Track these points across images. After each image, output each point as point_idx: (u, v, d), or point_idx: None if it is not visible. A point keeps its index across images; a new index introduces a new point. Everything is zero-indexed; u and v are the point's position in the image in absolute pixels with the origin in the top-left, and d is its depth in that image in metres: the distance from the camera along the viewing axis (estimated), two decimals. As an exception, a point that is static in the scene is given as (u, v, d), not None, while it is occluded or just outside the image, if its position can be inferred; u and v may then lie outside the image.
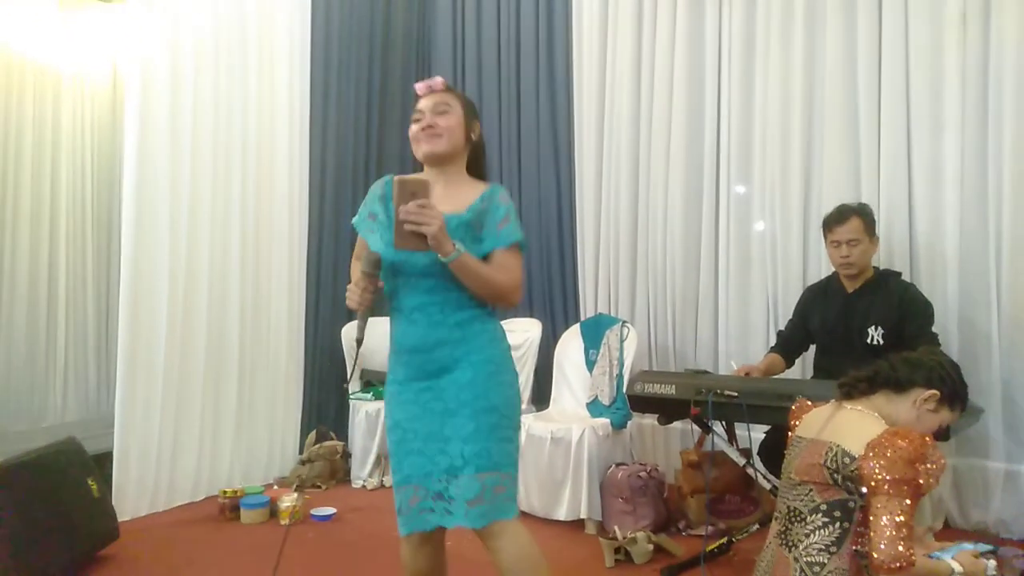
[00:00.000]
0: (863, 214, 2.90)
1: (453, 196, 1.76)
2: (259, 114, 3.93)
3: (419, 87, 1.85)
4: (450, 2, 4.81)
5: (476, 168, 1.89)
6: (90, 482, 2.83)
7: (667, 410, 2.79)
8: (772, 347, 3.20)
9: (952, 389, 1.77)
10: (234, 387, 3.80)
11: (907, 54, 3.24)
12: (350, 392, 2.13)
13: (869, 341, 2.83)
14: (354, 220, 1.87)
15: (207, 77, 3.66)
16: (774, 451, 2.57)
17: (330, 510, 3.39)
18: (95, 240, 5.40)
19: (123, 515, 3.15)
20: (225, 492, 3.40)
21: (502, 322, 4.08)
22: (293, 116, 4.11)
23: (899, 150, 3.26)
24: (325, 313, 4.36)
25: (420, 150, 1.79)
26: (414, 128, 1.80)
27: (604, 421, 3.36)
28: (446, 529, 1.76)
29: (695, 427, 2.91)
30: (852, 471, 1.63)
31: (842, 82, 3.39)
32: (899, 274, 2.99)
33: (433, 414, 1.72)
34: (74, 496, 2.72)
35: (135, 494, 3.33)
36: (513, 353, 3.90)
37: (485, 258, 1.73)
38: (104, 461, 3.23)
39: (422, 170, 1.86)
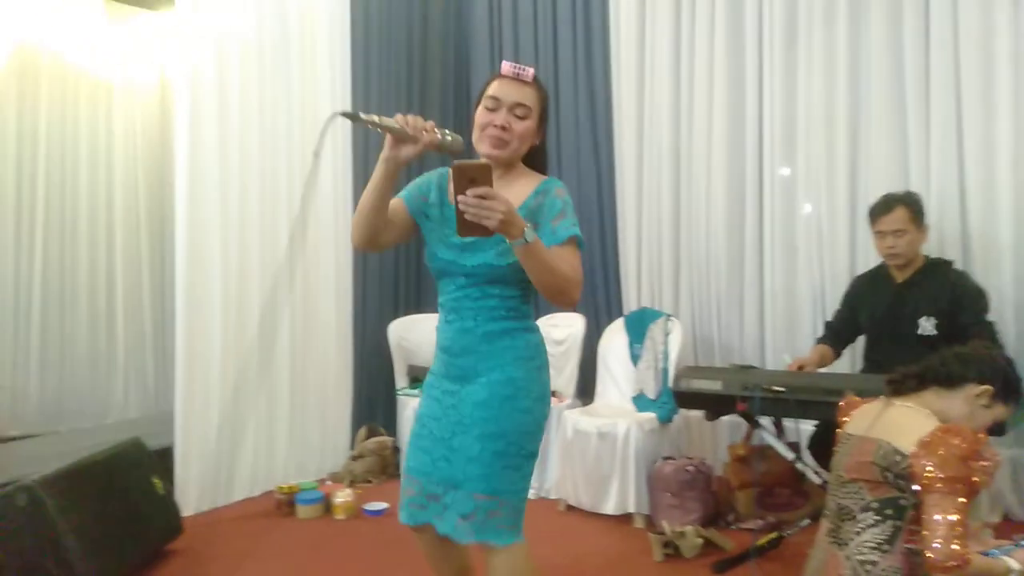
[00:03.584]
0: (909, 203, 2.84)
1: (507, 190, 1.64)
2: (303, 115, 4.00)
3: (506, 69, 1.68)
4: (487, 3, 4.82)
5: (536, 162, 1.79)
6: (154, 480, 2.95)
7: (713, 406, 2.79)
8: (820, 338, 3.17)
9: (1006, 384, 1.75)
10: (286, 385, 3.90)
11: (956, 36, 3.17)
12: None
13: (921, 332, 2.78)
14: (402, 194, 1.79)
15: (252, 81, 3.75)
16: (825, 444, 2.55)
17: (382, 505, 3.47)
18: (149, 243, 5.58)
19: (186, 510, 3.28)
20: (281, 488, 3.51)
21: (545, 317, 4.13)
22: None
23: (949, 135, 3.19)
24: (372, 310, 4.44)
25: (481, 148, 1.69)
26: (484, 117, 1.68)
27: (650, 415, 3.37)
28: None
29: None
30: (903, 469, 1.62)
31: (888, 65, 3.33)
32: (951, 262, 2.93)
33: (449, 421, 1.70)
34: (141, 494, 2.84)
35: (196, 490, 3.46)
36: (557, 348, 3.99)
37: None
38: (165, 456, 3.36)
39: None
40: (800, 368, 2.87)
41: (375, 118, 1.57)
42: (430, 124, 1.59)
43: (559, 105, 4.47)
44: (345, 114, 1.59)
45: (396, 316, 4.45)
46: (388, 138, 1.59)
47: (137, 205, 5.54)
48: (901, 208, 2.82)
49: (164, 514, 2.96)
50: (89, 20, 5.15)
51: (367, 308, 4.43)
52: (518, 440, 1.66)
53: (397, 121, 1.57)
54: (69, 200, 5.23)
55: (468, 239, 1.63)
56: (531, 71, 1.70)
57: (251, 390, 3.72)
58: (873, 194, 3.11)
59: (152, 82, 5.58)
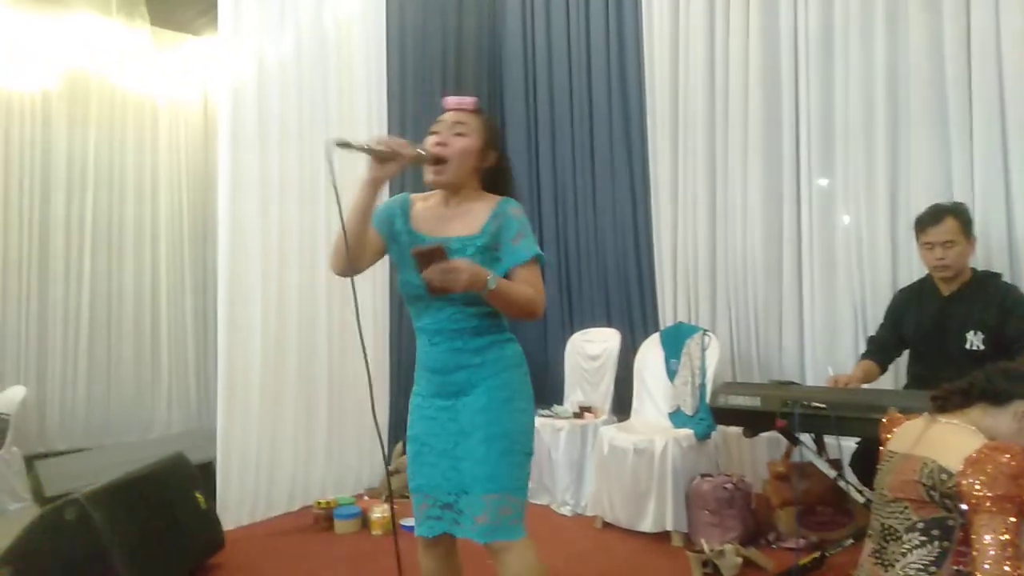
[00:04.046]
0: (958, 214, 2.77)
1: (466, 215, 1.81)
2: (340, 133, 4.06)
3: (449, 101, 1.85)
4: (519, 18, 4.87)
5: (499, 187, 1.89)
6: (197, 494, 3.00)
7: (752, 422, 2.73)
8: (864, 354, 3.09)
9: (1056, 401, 1.69)
10: (324, 401, 3.94)
11: (999, 41, 3.08)
12: None
13: (968, 347, 2.70)
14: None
15: (291, 101, 3.84)
16: (867, 461, 2.49)
17: (418, 520, 3.48)
18: (192, 262, 5.73)
19: (226, 525, 3.32)
20: (319, 503, 3.54)
21: (579, 332, 4.13)
22: (371, 134, 4.24)
23: (993, 143, 3.10)
24: (408, 326, 4.43)
25: (426, 176, 1.81)
26: (429, 140, 1.81)
27: (687, 432, 3.33)
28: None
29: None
30: (950, 488, 1.58)
31: (928, 71, 3.24)
32: (999, 275, 2.85)
33: (449, 433, 1.81)
34: (184, 508, 2.90)
35: (236, 505, 3.51)
36: (592, 363, 3.97)
37: (506, 275, 1.76)
38: (205, 471, 3.42)
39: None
40: (845, 385, 2.80)
41: (364, 144, 1.70)
42: (403, 141, 1.75)
43: (593, 115, 4.47)
44: (339, 143, 1.68)
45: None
46: (370, 161, 1.72)
47: (181, 224, 5.69)
48: (951, 219, 2.75)
49: (206, 528, 3.02)
50: (136, 45, 5.33)
51: (403, 324, 4.47)
52: (519, 439, 1.79)
53: (379, 143, 1.71)
54: (116, 221, 5.40)
55: None
56: (472, 100, 1.86)
57: (290, 406, 3.78)
58: (914, 204, 3.04)
59: (196, 103, 5.74)
